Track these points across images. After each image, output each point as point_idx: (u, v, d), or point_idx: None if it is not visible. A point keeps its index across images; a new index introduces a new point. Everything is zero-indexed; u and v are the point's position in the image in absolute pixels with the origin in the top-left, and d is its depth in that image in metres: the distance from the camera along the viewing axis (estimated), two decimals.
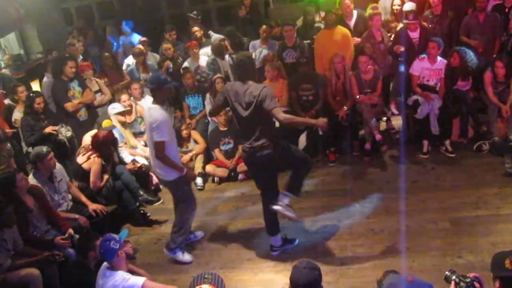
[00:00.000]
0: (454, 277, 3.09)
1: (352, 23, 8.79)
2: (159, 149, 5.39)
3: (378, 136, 7.60)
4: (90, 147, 6.54)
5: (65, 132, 7.12)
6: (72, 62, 7.72)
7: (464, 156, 7.42)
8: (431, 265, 5.14)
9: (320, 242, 5.88)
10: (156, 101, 5.48)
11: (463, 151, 7.54)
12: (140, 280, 4.27)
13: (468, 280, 3.03)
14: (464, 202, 6.25)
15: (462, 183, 6.67)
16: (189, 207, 5.78)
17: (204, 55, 9.10)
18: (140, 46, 9.26)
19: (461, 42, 8.06)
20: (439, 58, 7.55)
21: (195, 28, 9.71)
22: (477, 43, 7.99)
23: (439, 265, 5.13)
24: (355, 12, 8.78)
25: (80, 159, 6.52)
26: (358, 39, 8.38)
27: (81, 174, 6.49)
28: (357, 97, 7.68)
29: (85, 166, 6.44)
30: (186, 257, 5.86)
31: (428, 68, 7.57)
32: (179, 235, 5.78)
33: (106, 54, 9.38)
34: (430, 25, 8.36)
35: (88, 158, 6.43)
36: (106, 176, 6.55)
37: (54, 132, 7.09)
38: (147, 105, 5.78)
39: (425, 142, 7.65)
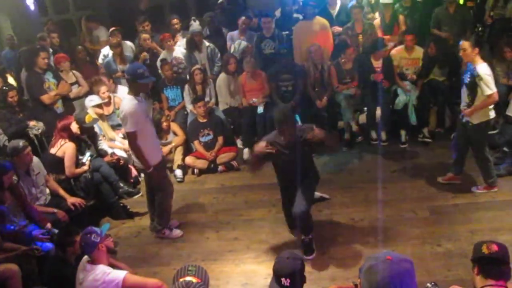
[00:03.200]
0: None
1: (335, 11, 8.85)
2: (129, 139, 5.58)
3: (354, 127, 7.65)
4: (55, 136, 6.50)
5: (36, 129, 7.02)
6: (45, 53, 7.62)
7: (441, 145, 7.51)
8: (411, 254, 5.17)
9: None
10: (130, 92, 5.58)
11: (440, 141, 7.63)
12: (121, 273, 4.22)
13: None
14: (443, 191, 6.34)
15: (440, 172, 6.73)
16: (165, 194, 5.98)
17: (181, 46, 9.04)
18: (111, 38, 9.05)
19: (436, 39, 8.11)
20: (416, 47, 7.62)
21: (175, 21, 9.63)
22: (447, 35, 8.09)
23: (418, 253, 5.21)
24: (339, 2, 8.85)
25: (52, 150, 6.45)
26: (339, 28, 8.44)
27: (56, 164, 6.39)
28: (335, 86, 7.72)
29: (59, 153, 6.37)
30: (174, 233, 6.15)
31: (406, 58, 7.67)
32: (162, 218, 6.07)
33: (80, 47, 9.21)
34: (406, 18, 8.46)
35: (61, 145, 6.36)
36: (84, 167, 6.48)
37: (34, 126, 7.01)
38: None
39: (403, 132, 7.73)
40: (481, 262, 3.06)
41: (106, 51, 9.05)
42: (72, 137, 6.47)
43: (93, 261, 4.31)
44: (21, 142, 5.81)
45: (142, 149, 5.56)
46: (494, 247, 3.07)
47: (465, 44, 5.83)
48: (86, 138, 6.84)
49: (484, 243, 3.17)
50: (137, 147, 5.54)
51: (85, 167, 6.51)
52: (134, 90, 5.54)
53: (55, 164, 6.38)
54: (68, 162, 6.33)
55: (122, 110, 5.50)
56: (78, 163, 6.52)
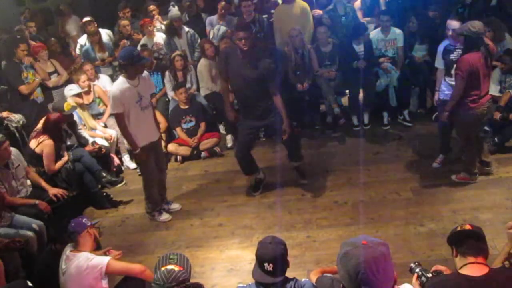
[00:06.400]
0: (417, 270, 3.18)
1: None
2: (116, 120, 5.71)
3: (336, 110, 7.65)
4: (41, 130, 6.36)
5: (15, 121, 6.93)
6: (24, 45, 7.60)
7: (423, 126, 7.56)
8: (394, 234, 5.24)
9: (284, 216, 5.92)
10: (126, 75, 5.57)
11: (422, 122, 7.67)
12: (105, 259, 4.19)
13: (429, 275, 3.13)
14: (425, 172, 6.38)
15: (423, 153, 6.80)
16: (146, 179, 6.04)
17: (160, 31, 8.96)
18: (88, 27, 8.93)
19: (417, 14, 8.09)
20: (392, 28, 7.62)
21: (152, 7, 9.52)
22: (433, 14, 8.06)
23: (402, 234, 5.27)
24: None
25: (32, 143, 6.34)
26: (319, 11, 8.39)
27: (35, 159, 6.29)
28: (316, 71, 7.70)
29: (37, 150, 6.26)
30: (163, 217, 6.22)
31: (383, 39, 7.67)
32: (148, 202, 6.18)
33: (53, 39, 9.08)
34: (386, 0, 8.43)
35: (39, 142, 6.25)
36: (64, 159, 6.40)
37: (10, 117, 6.89)
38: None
39: (385, 114, 7.76)
40: (456, 240, 3.07)
41: (82, 41, 8.94)
42: (56, 135, 6.35)
43: (77, 247, 4.27)
44: None
45: (129, 130, 5.64)
46: (467, 226, 3.09)
47: (455, 23, 5.90)
48: (66, 127, 6.76)
49: (458, 225, 3.20)
50: (123, 128, 5.64)
51: (64, 159, 6.42)
52: (130, 73, 5.54)
53: (35, 159, 6.29)
54: (46, 161, 6.20)
55: (110, 91, 5.61)
56: (58, 157, 6.41)
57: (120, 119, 5.59)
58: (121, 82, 5.54)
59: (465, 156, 6.03)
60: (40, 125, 6.50)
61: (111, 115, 7.74)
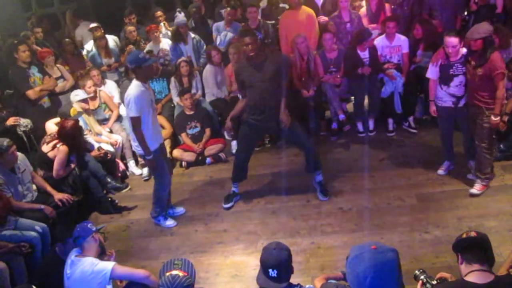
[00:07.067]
0: (422, 277, 3.18)
1: (320, 1, 8.82)
2: (133, 124, 5.63)
3: (341, 116, 7.65)
4: (56, 135, 6.38)
5: (23, 125, 6.95)
6: (24, 46, 7.49)
7: (428, 133, 7.53)
8: (399, 241, 5.23)
9: (289, 222, 5.92)
10: (137, 78, 5.61)
11: (427, 128, 7.64)
12: (109, 264, 4.20)
13: (434, 282, 3.13)
14: (430, 178, 6.37)
15: (428, 159, 6.78)
16: (160, 183, 6.03)
17: (166, 38, 8.99)
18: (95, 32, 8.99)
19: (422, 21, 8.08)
20: (397, 35, 7.62)
21: (159, 13, 9.57)
22: (437, 22, 8.06)
23: (407, 241, 5.26)
24: None
25: (45, 148, 6.36)
26: (325, 18, 8.41)
27: (46, 163, 6.32)
28: (321, 77, 7.71)
29: (50, 155, 6.28)
30: (168, 222, 6.25)
31: (388, 46, 7.67)
32: (156, 206, 6.18)
33: (67, 40, 9.14)
34: (392, 6, 8.42)
35: (54, 146, 6.27)
36: (71, 166, 6.41)
37: (16, 123, 6.92)
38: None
39: (390, 120, 7.75)
40: (462, 247, 3.07)
41: (89, 46, 9.00)
42: (71, 143, 6.37)
43: (82, 252, 4.29)
44: (5, 142, 5.65)
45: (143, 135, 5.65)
46: (473, 233, 3.09)
47: (455, 40, 5.73)
48: None
49: (464, 232, 3.20)
50: (140, 133, 5.62)
51: (72, 165, 6.43)
52: (141, 76, 5.60)
53: (47, 164, 6.31)
54: (57, 166, 6.21)
55: (128, 95, 5.57)
56: (67, 163, 6.43)
57: (138, 123, 5.58)
58: (137, 85, 5.56)
59: (483, 161, 5.81)
60: (52, 130, 6.53)
61: (117, 120, 7.81)
